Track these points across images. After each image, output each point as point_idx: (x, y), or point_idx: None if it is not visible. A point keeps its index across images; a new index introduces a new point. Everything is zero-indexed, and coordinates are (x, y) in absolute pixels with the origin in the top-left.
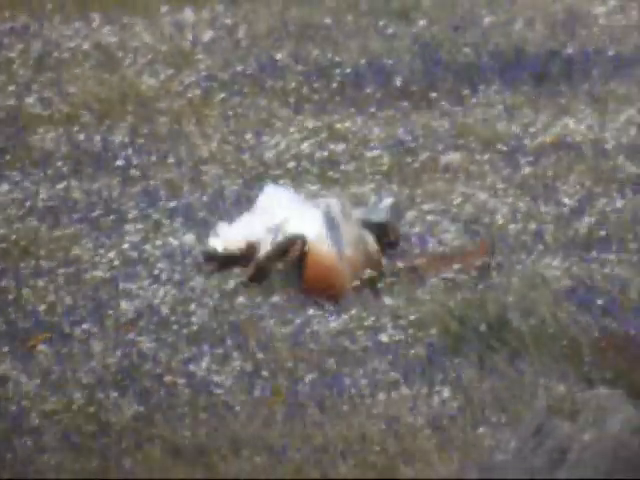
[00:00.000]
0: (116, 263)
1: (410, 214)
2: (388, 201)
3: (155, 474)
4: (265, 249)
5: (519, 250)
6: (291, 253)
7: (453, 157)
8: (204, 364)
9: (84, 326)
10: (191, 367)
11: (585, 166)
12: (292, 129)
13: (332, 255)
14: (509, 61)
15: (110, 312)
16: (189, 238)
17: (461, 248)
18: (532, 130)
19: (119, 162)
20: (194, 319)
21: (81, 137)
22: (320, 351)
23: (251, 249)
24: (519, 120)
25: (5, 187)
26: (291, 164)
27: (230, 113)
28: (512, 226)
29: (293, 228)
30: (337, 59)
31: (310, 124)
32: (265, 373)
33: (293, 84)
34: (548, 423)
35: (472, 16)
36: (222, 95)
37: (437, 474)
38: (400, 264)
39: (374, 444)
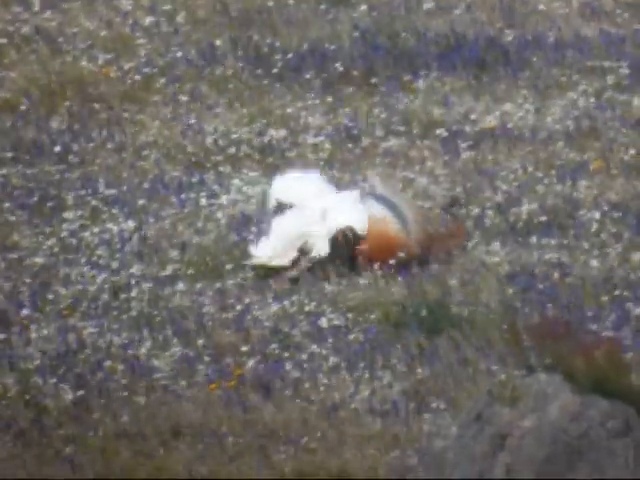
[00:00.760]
0: (55, 250)
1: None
2: None
3: (95, 460)
4: (320, 246)
5: None
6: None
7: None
8: (144, 349)
9: (24, 312)
10: (131, 352)
11: (525, 152)
12: (232, 115)
13: (394, 229)
14: (449, 47)
15: (50, 298)
16: None
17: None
18: (472, 116)
19: (58, 148)
20: (133, 305)
21: (19, 123)
22: (261, 336)
23: (304, 252)
24: (459, 106)
25: None
26: (231, 150)
27: (170, 99)
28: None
29: (341, 217)
30: (277, 45)
31: (250, 110)
32: (206, 358)
33: (233, 70)
34: (488, 409)
35: (412, 2)
36: (162, 81)
37: (378, 460)
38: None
39: (315, 429)
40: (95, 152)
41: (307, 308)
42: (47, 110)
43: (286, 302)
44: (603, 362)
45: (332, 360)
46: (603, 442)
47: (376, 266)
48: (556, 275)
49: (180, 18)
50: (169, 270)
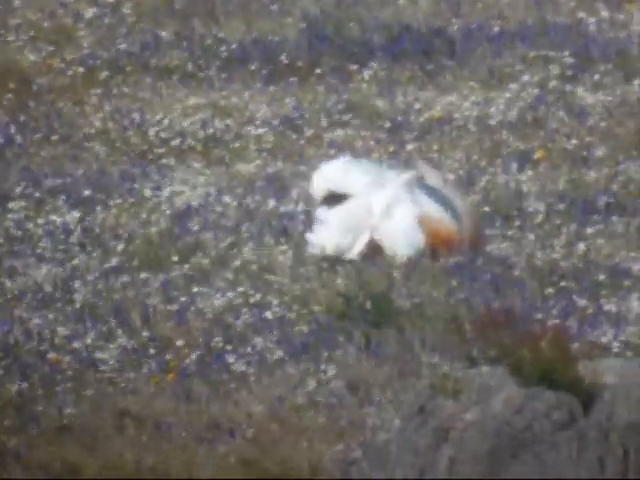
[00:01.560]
0: (0, 241)
1: (296, 191)
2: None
3: (40, 452)
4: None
5: None
6: None
7: None
8: (88, 341)
9: None
10: (75, 344)
11: (470, 142)
12: (177, 106)
13: (450, 229)
14: (394, 37)
15: None
16: None
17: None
18: (417, 106)
19: (0, 140)
20: (77, 296)
21: None
22: (205, 328)
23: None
24: (404, 96)
25: None
26: (175, 142)
27: (114, 91)
28: None
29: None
30: (221, 36)
31: (195, 101)
32: (151, 350)
33: (177, 61)
34: (431, 402)
35: None
36: (105, 73)
37: (321, 453)
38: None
39: (259, 422)
40: (39, 144)
41: (252, 300)
42: None
43: (231, 294)
44: (548, 353)
45: (276, 353)
46: (547, 434)
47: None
48: (500, 266)
49: (125, 9)
50: (114, 261)
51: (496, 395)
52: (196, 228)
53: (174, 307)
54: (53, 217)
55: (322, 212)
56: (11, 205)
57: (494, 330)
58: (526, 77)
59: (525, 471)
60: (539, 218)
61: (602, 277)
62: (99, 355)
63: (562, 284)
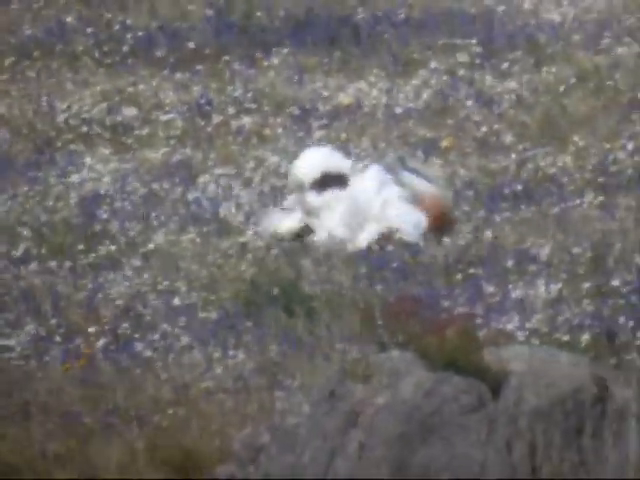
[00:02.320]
0: None
1: (203, 178)
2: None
3: None
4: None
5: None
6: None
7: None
8: None
9: None
10: None
11: (377, 130)
12: (84, 93)
13: (446, 204)
14: (301, 24)
15: None
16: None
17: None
18: (325, 93)
19: None
20: None
21: None
22: (113, 315)
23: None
24: (312, 83)
25: None
26: (83, 129)
27: (19, 77)
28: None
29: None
30: (128, 22)
31: (102, 88)
32: (58, 338)
33: (83, 47)
34: (341, 386)
35: None
36: (12, 59)
37: (230, 437)
38: None
39: (167, 408)
40: None
41: (160, 287)
42: None
43: (139, 281)
44: (456, 339)
45: (184, 339)
46: (456, 418)
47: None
48: (408, 253)
49: None
50: (21, 249)
51: (405, 379)
52: (104, 215)
53: (82, 294)
54: None
55: (313, 197)
56: None
57: (403, 316)
58: (434, 65)
59: (434, 455)
60: None
61: (510, 264)
62: (6, 343)
63: (470, 271)
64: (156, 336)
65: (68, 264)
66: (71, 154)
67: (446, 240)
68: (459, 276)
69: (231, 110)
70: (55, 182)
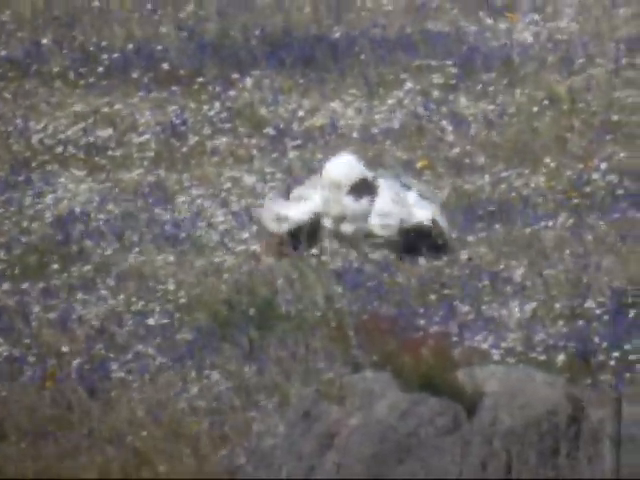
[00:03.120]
0: None
1: (178, 198)
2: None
3: None
4: None
5: None
6: None
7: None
8: None
9: None
10: None
11: (353, 150)
12: (59, 114)
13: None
14: (276, 45)
15: None
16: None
17: None
18: (300, 113)
19: None
20: None
21: None
22: (87, 336)
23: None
24: (287, 104)
25: None
26: (58, 149)
27: None
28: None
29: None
30: (104, 44)
31: (77, 108)
32: (31, 358)
33: (59, 69)
34: (316, 407)
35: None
36: None
37: (206, 459)
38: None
39: (141, 429)
40: None
41: (135, 307)
42: None
43: (113, 301)
44: (431, 358)
45: (159, 359)
46: (431, 439)
47: None
48: (385, 274)
49: (4, 17)
50: None
51: (380, 400)
52: (78, 236)
53: (56, 315)
54: None
55: (354, 204)
56: None
57: (378, 336)
58: (409, 85)
59: (410, 476)
60: None
61: (484, 284)
62: None
63: (445, 291)
64: (130, 356)
65: (42, 284)
66: (46, 174)
67: (421, 260)
68: (433, 296)
69: (206, 131)
70: (30, 202)
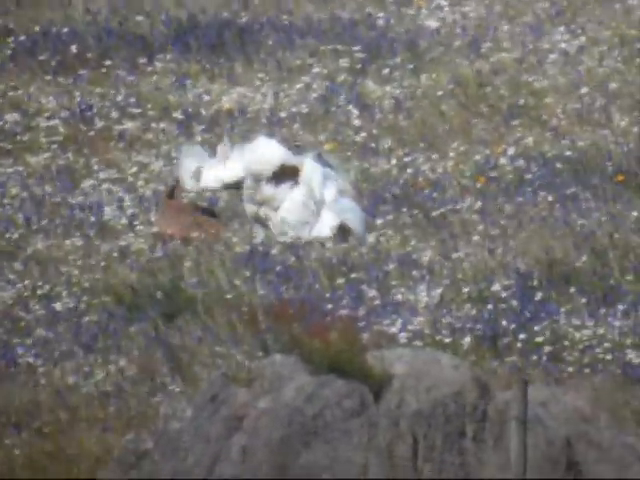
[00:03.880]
0: None
1: (87, 183)
2: None
3: None
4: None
5: None
6: None
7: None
8: None
9: None
10: None
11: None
12: None
13: None
14: (184, 30)
15: None
16: None
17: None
18: (207, 98)
19: None
20: None
21: None
22: None
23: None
24: (194, 88)
25: None
26: None
27: None
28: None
29: None
30: (10, 27)
31: None
32: None
33: None
34: (224, 391)
35: None
36: None
37: (112, 443)
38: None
39: (48, 414)
40: None
41: (41, 291)
42: None
43: (20, 286)
44: (338, 343)
45: (65, 344)
46: (338, 422)
47: None
48: (293, 257)
49: None
50: None
51: (288, 384)
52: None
53: None
54: None
55: (274, 190)
56: None
57: (286, 320)
58: (316, 70)
59: (317, 458)
60: None
61: (391, 267)
62: None
63: (352, 275)
64: (37, 341)
65: None
66: None
67: (328, 244)
68: (341, 280)
69: (114, 115)
70: None
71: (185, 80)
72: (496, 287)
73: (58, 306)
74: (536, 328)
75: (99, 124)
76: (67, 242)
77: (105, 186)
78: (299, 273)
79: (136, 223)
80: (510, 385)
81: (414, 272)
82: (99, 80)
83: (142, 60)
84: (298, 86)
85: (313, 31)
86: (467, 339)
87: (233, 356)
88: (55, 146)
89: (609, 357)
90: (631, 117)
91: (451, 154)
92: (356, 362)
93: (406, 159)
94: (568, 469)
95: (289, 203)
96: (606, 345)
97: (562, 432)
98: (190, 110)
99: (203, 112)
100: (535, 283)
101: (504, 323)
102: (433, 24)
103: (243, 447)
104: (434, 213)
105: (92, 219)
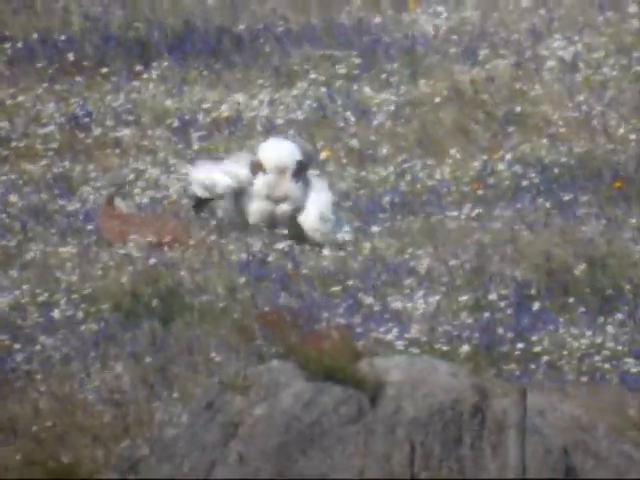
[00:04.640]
0: None
1: (83, 190)
2: None
3: None
4: None
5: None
6: None
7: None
8: None
9: None
10: None
11: (257, 141)
12: None
13: None
14: (181, 36)
15: None
16: None
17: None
18: (205, 105)
19: None
20: None
21: None
22: None
23: None
24: (192, 95)
25: None
26: None
27: None
28: (186, 202)
29: None
30: (7, 33)
31: None
32: None
33: None
34: (220, 398)
35: None
36: None
37: (108, 449)
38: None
39: (44, 420)
40: None
41: (39, 299)
42: None
43: (17, 293)
44: (335, 350)
45: (63, 351)
46: (335, 429)
47: None
48: (289, 265)
49: None
50: None
51: (285, 390)
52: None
53: None
54: None
55: (294, 186)
56: None
57: (282, 327)
58: (313, 76)
59: (313, 465)
60: None
61: (388, 275)
62: None
63: (349, 282)
64: (35, 348)
65: None
66: None
67: (325, 252)
68: (337, 287)
69: (110, 122)
70: None
71: (182, 87)
72: (493, 295)
73: (56, 313)
74: (534, 337)
75: (96, 131)
76: (64, 249)
77: (102, 193)
78: (295, 280)
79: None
80: (508, 393)
81: (411, 279)
82: (96, 87)
83: (139, 67)
84: (294, 92)
85: (310, 37)
86: (465, 347)
87: (229, 363)
88: (52, 153)
89: (607, 366)
90: (628, 124)
91: (448, 160)
92: (351, 369)
93: (404, 166)
94: (566, 477)
95: (324, 198)
96: (604, 354)
97: (560, 440)
98: (187, 117)
99: (200, 119)
100: (533, 291)
101: (501, 331)
102: (430, 30)
103: (239, 454)
104: (431, 220)
105: (89, 226)
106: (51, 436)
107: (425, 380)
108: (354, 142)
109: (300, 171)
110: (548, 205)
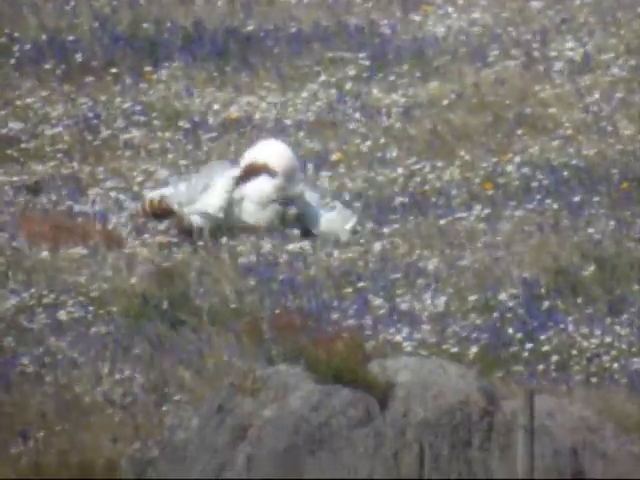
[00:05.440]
0: None
1: (92, 191)
2: None
3: None
4: None
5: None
6: None
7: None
8: None
9: None
10: None
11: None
12: None
13: None
14: (190, 38)
15: None
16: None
17: None
18: (215, 107)
19: None
20: None
21: None
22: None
23: None
24: (201, 97)
25: None
26: None
27: None
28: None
29: None
30: (16, 35)
31: None
32: None
33: None
34: (230, 400)
35: None
36: None
37: (119, 453)
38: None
39: (53, 423)
40: None
41: (46, 300)
42: None
43: (25, 294)
44: (344, 351)
45: (72, 353)
46: (344, 431)
47: None
48: (298, 266)
49: None
50: None
51: (294, 393)
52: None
53: None
54: None
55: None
56: None
57: (291, 330)
58: (323, 78)
59: (322, 467)
60: None
61: (398, 276)
62: None
63: (359, 284)
64: (43, 350)
65: None
66: None
67: (335, 253)
68: (348, 289)
69: (119, 123)
70: None
71: (191, 88)
72: (502, 296)
73: (64, 315)
74: (543, 337)
75: (105, 132)
76: (73, 251)
77: (112, 195)
78: (304, 282)
79: (142, 232)
80: (517, 394)
81: (420, 280)
82: (105, 88)
83: (148, 68)
84: (304, 94)
85: (319, 39)
86: (474, 348)
87: (239, 366)
88: (60, 154)
89: (616, 366)
90: (637, 125)
91: (458, 162)
92: (361, 371)
93: (413, 167)
94: (574, 478)
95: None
96: (613, 354)
97: (568, 442)
98: (196, 118)
99: (210, 120)
100: (542, 292)
101: (510, 332)
102: (440, 31)
103: (249, 456)
104: (441, 221)
105: (98, 227)
106: (60, 439)
107: (434, 382)
108: (363, 144)
109: (294, 174)
110: (557, 206)
